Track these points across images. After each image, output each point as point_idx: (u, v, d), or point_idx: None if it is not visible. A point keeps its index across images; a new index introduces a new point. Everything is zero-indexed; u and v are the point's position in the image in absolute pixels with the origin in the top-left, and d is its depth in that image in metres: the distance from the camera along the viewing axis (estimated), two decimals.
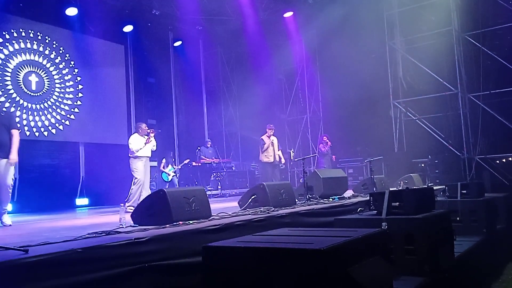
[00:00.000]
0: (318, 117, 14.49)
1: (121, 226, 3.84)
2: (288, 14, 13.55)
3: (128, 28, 12.45)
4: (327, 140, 11.77)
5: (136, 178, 7.72)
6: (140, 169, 7.77)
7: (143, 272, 2.83)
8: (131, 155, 7.82)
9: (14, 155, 5.24)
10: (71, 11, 10.92)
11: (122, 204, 4.27)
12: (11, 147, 5.25)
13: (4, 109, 6.59)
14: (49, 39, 11.04)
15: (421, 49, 12.21)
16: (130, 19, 12.39)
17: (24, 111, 10.20)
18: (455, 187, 6.10)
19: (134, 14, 12.41)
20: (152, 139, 7.89)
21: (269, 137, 9.81)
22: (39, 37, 10.81)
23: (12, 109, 9.94)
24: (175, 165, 12.57)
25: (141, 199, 7.21)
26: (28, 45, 10.57)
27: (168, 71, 14.52)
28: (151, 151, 8.03)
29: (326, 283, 2.02)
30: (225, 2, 13.10)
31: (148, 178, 8.06)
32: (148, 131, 7.95)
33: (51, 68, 10.99)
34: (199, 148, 13.46)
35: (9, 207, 8.97)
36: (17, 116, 10.02)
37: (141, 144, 7.77)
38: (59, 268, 2.46)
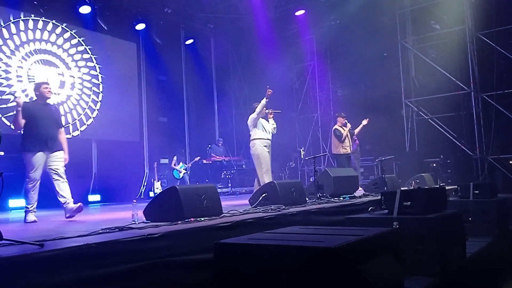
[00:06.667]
0: (329, 116, 14.44)
1: (133, 222, 3.89)
2: (300, 12, 13.52)
3: (140, 26, 12.54)
4: (355, 138, 10.72)
5: (262, 165, 6.83)
6: (265, 155, 6.91)
7: (156, 267, 2.86)
8: (252, 138, 7.03)
9: (67, 155, 5.60)
10: (85, 9, 11.04)
11: (134, 200, 4.31)
12: (62, 145, 5.54)
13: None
14: (65, 36, 11.19)
15: (433, 47, 12.11)
16: (142, 17, 12.47)
17: None
18: (467, 187, 6.04)
19: (146, 12, 12.50)
20: (271, 119, 7.18)
21: (342, 126, 9.26)
22: (56, 35, 10.95)
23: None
24: (186, 163, 12.66)
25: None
26: (49, 45, 10.73)
27: (180, 69, 14.59)
28: (272, 134, 7.19)
29: (336, 281, 2.03)
30: (237, 0, 13.13)
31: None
32: (266, 111, 7.19)
33: (65, 65, 11.12)
34: (209, 146, 13.54)
35: (23, 202, 9.18)
36: None
37: (257, 115, 6.92)
38: (74, 263, 2.50)
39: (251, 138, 7.06)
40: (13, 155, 6.99)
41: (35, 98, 5.64)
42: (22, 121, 5.26)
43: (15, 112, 5.30)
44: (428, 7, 11.86)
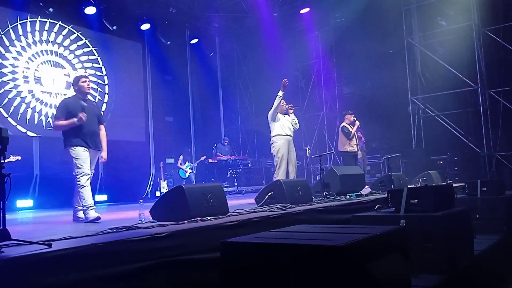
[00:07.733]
0: (334, 114, 14.41)
1: (140, 221, 3.90)
2: (305, 10, 13.48)
3: (145, 26, 12.56)
4: (361, 135, 10.67)
5: (277, 162, 6.61)
6: (282, 152, 6.73)
7: (162, 267, 2.87)
8: (272, 135, 6.89)
9: (105, 153, 5.36)
10: (90, 10, 11.08)
11: (141, 200, 4.33)
12: (101, 143, 5.27)
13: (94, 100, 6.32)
14: (71, 38, 11.24)
15: (440, 44, 12.03)
16: (147, 17, 12.50)
17: (46, 106, 10.40)
18: (475, 184, 5.99)
19: (151, 12, 12.52)
20: (292, 114, 6.99)
21: (350, 124, 9.17)
22: (62, 36, 11.01)
23: (34, 104, 10.16)
24: (192, 162, 12.68)
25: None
26: (56, 46, 10.79)
27: (185, 68, 14.62)
28: (293, 130, 7.03)
29: (343, 279, 2.02)
30: None
31: (291, 160, 6.86)
32: (286, 106, 7.04)
33: (71, 66, 11.17)
34: (215, 145, 13.56)
35: (31, 203, 9.26)
36: (36, 112, 10.23)
37: (274, 109, 6.76)
38: (81, 262, 2.52)
39: (271, 135, 6.95)
40: (20, 156, 7.01)
41: (74, 93, 5.26)
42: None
43: (68, 123, 4.99)
44: (434, 3, 11.78)
